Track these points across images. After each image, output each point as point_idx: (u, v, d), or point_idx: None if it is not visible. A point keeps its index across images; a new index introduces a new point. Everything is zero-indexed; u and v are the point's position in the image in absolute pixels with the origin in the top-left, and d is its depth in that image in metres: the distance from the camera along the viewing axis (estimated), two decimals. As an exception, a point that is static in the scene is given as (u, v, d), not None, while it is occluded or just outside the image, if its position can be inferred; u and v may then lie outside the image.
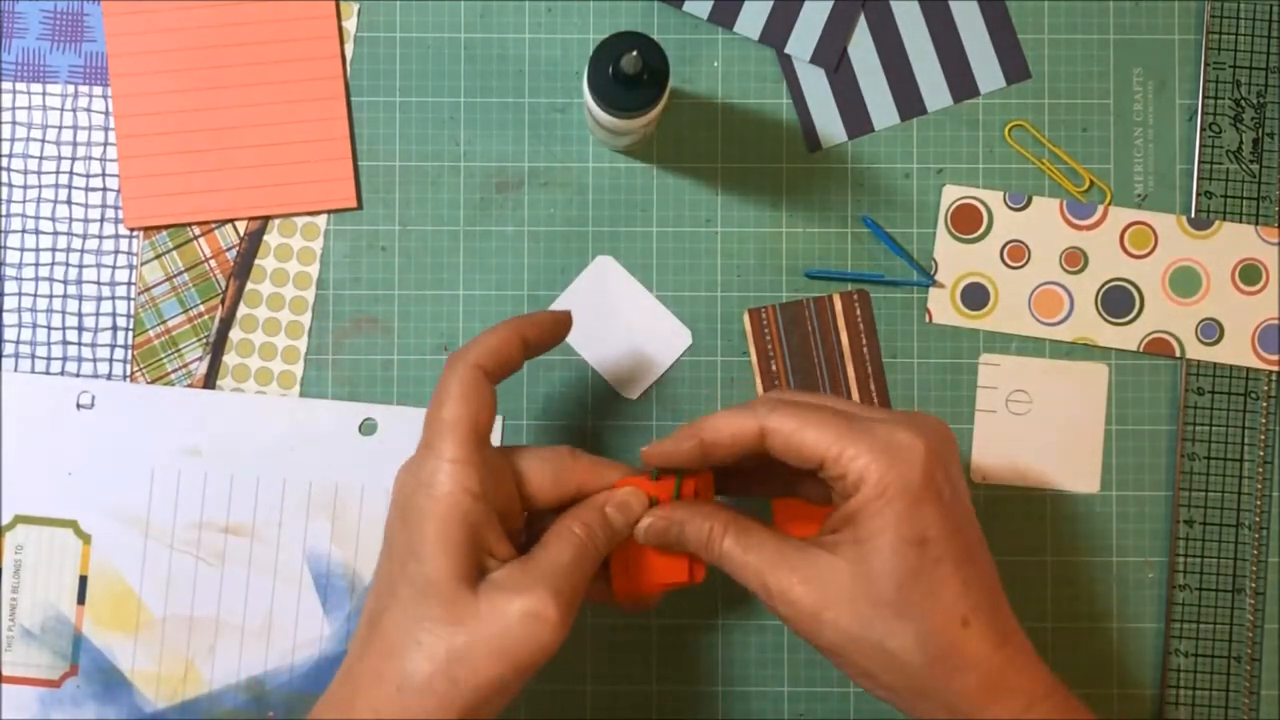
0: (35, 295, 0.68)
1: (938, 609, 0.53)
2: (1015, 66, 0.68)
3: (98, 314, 0.67)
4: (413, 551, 0.54)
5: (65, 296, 0.67)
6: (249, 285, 0.68)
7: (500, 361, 0.58)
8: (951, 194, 0.68)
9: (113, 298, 0.68)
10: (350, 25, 0.68)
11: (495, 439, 0.67)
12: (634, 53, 0.57)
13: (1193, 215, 0.68)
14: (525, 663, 0.53)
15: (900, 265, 0.68)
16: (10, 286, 0.68)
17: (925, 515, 0.53)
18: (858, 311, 0.68)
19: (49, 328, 0.67)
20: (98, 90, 0.68)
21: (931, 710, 0.54)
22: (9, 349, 0.67)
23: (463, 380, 0.56)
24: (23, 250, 0.68)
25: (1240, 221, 0.68)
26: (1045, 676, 0.55)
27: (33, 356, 0.67)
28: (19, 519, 0.67)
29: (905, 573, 0.53)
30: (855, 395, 0.68)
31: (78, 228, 0.68)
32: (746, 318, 0.68)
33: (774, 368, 0.68)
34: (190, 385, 0.67)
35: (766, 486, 0.61)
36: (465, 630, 0.53)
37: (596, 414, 0.68)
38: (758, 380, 0.68)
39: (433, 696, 0.53)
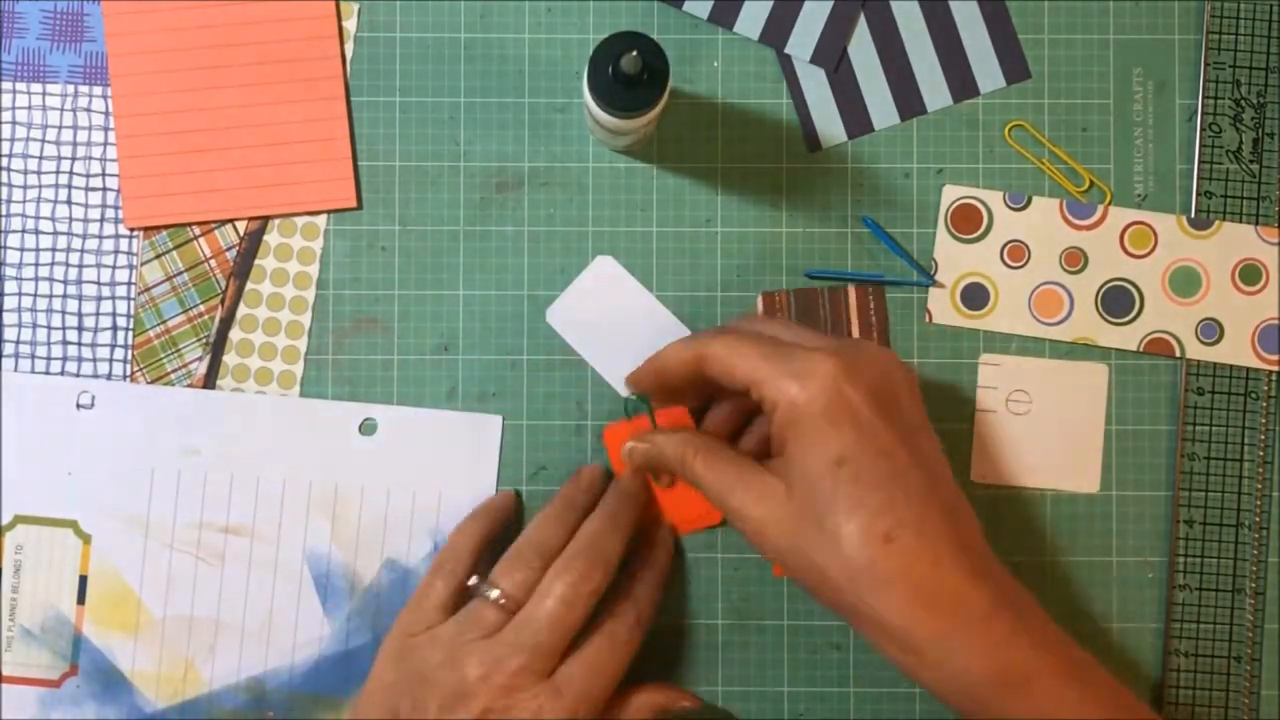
0: (35, 295, 0.68)
1: (856, 525, 0.55)
2: (1015, 66, 0.68)
3: (98, 314, 0.67)
4: None
5: (65, 296, 0.67)
6: (249, 285, 0.68)
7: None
8: (951, 194, 0.68)
9: (113, 298, 0.68)
10: (350, 25, 0.68)
11: (494, 439, 0.67)
12: (634, 53, 0.57)
13: (1193, 215, 0.68)
14: None
15: (900, 265, 0.68)
16: (10, 286, 0.68)
17: (839, 436, 0.56)
18: (871, 305, 0.68)
19: (49, 328, 0.67)
20: (98, 90, 0.68)
21: (866, 628, 0.56)
22: (9, 349, 0.67)
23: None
24: (23, 250, 0.68)
25: (1240, 221, 0.68)
26: (996, 592, 0.55)
27: (33, 356, 0.67)
28: (19, 519, 0.67)
29: (824, 491, 0.56)
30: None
31: (78, 228, 0.68)
32: (760, 300, 0.68)
33: None
34: (190, 385, 0.67)
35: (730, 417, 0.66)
36: None
37: (596, 414, 0.68)
38: None
39: None
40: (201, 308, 0.68)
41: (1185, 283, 0.68)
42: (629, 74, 0.58)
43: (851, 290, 0.68)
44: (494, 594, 0.61)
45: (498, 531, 0.65)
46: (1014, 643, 0.55)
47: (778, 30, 0.68)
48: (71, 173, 0.68)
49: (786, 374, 0.57)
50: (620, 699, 0.63)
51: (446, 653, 0.60)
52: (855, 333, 0.68)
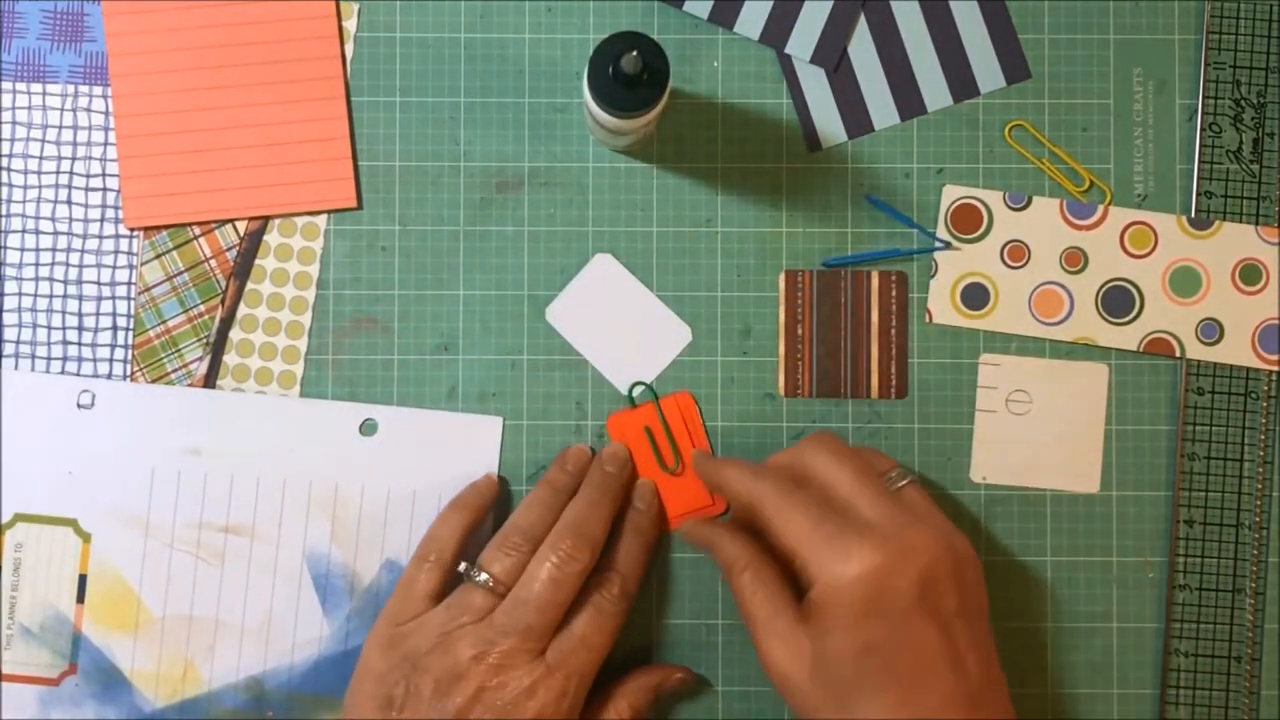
0: (35, 295, 0.68)
1: (875, 714, 0.55)
2: (1015, 66, 0.68)
3: (98, 314, 0.67)
4: None
5: (65, 296, 0.67)
6: (249, 285, 0.68)
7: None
8: (951, 194, 0.68)
9: (113, 298, 0.68)
10: (350, 25, 0.68)
11: (495, 439, 0.67)
12: (634, 53, 0.57)
13: (1193, 215, 0.68)
14: None
15: (914, 238, 0.68)
16: (10, 286, 0.68)
17: (871, 626, 0.56)
18: (893, 292, 0.68)
19: (49, 328, 0.67)
20: (98, 90, 0.68)
21: None
22: (9, 349, 0.67)
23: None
24: (23, 250, 0.68)
25: (1240, 221, 0.68)
26: None
27: (33, 356, 0.67)
28: (19, 517, 0.67)
29: (848, 674, 0.56)
30: (874, 377, 0.68)
31: (78, 228, 0.68)
32: (782, 278, 0.68)
33: (800, 332, 0.68)
34: (190, 385, 0.67)
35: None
36: None
37: (596, 414, 0.68)
38: (781, 345, 0.68)
39: None
40: (201, 308, 0.68)
41: (1185, 283, 0.68)
42: (629, 74, 0.58)
43: (875, 276, 0.68)
44: (483, 578, 0.62)
45: (480, 518, 0.66)
46: None
47: (778, 30, 0.68)
48: (71, 173, 0.68)
49: (829, 553, 0.57)
50: (615, 685, 0.64)
51: (438, 638, 0.61)
52: (875, 319, 0.67)
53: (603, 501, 0.64)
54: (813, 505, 0.59)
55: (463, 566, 0.63)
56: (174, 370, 0.67)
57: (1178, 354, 0.68)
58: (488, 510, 0.66)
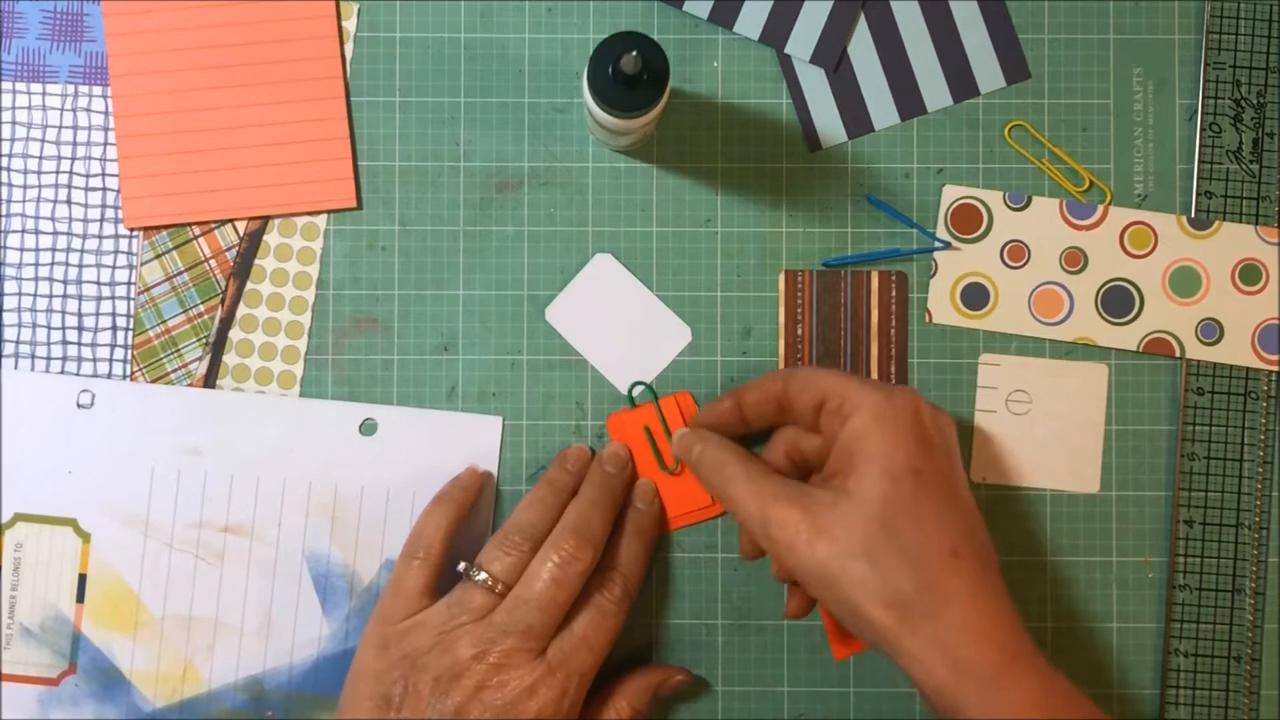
0: (35, 295, 0.68)
1: (930, 537, 0.57)
2: (1015, 66, 0.68)
3: (98, 314, 0.67)
4: None
5: (65, 296, 0.67)
6: (249, 285, 0.68)
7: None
8: (951, 194, 0.68)
9: (113, 298, 0.68)
10: (350, 25, 0.68)
11: (495, 439, 0.67)
12: (634, 53, 0.57)
13: (1193, 215, 0.68)
14: None
15: (915, 236, 0.68)
16: (10, 286, 0.68)
17: (918, 449, 0.58)
18: (893, 292, 0.68)
19: (49, 327, 0.67)
20: (98, 90, 0.68)
21: (915, 645, 0.56)
22: (9, 348, 0.67)
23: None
24: (23, 250, 0.68)
25: (1240, 221, 0.68)
26: (1017, 626, 0.57)
27: (33, 356, 0.67)
28: (19, 517, 0.67)
29: (899, 499, 0.57)
30: (874, 377, 0.67)
31: (78, 228, 0.68)
32: (782, 278, 0.68)
33: (800, 332, 0.68)
34: (190, 385, 0.67)
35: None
36: None
37: (596, 414, 0.68)
38: (781, 344, 0.68)
39: None
40: (201, 308, 0.68)
41: (1185, 283, 0.68)
42: (629, 74, 0.58)
43: (875, 276, 0.68)
44: (482, 578, 0.62)
45: (465, 512, 0.65)
46: (1050, 689, 0.56)
47: (778, 30, 0.68)
48: (71, 173, 0.68)
49: (871, 387, 0.60)
50: (615, 685, 0.64)
51: (437, 637, 0.61)
52: (875, 319, 0.68)
53: (604, 501, 0.64)
54: (840, 370, 0.63)
55: (462, 566, 0.63)
56: (174, 370, 0.67)
57: (1178, 354, 0.68)
58: (472, 503, 0.66)
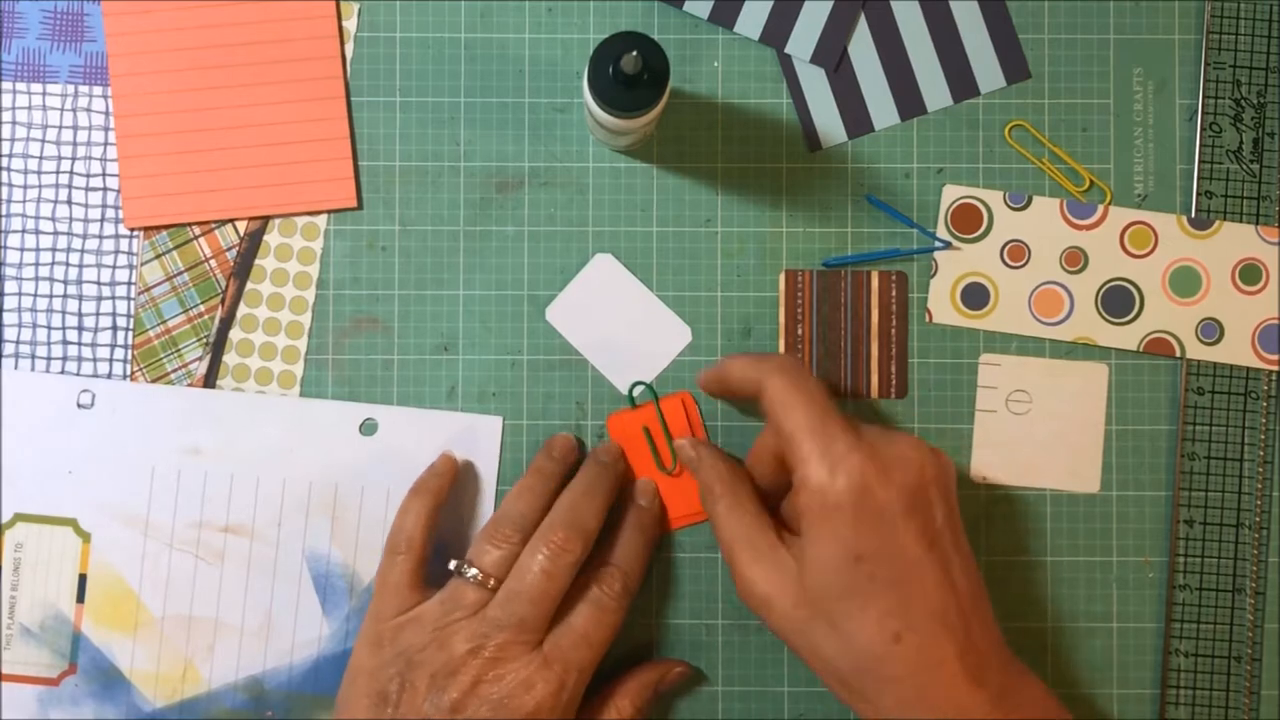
0: (35, 295, 0.68)
1: (867, 623, 0.56)
2: (1015, 66, 0.68)
3: (98, 314, 0.67)
4: None
5: (65, 296, 0.67)
6: (249, 285, 0.68)
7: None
8: (951, 194, 0.68)
9: (113, 297, 0.68)
10: (350, 25, 0.68)
11: (495, 439, 0.67)
12: (634, 53, 0.57)
13: (1193, 215, 0.68)
14: None
15: (915, 237, 0.68)
16: (10, 286, 0.68)
17: (860, 534, 0.56)
18: (893, 292, 0.68)
19: (49, 327, 0.67)
20: (98, 90, 0.68)
21: (867, 713, 0.57)
22: (9, 348, 0.67)
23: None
24: (23, 250, 0.68)
25: (1240, 221, 0.68)
26: (996, 697, 0.56)
27: (33, 356, 0.67)
28: (19, 517, 0.67)
29: (838, 585, 0.56)
30: (874, 377, 0.68)
31: (78, 228, 0.68)
32: (782, 278, 0.68)
33: (800, 332, 0.68)
34: (190, 385, 0.67)
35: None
36: None
37: (596, 414, 0.68)
38: (781, 344, 0.68)
39: None
40: (201, 308, 0.68)
41: (1185, 283, 0.68)
42: (629, 74, 0.58)
43: (875, 276, 0.68)
44: (473, 573, 0.62)
45: (442, 500, 0.65)
46: None
47: (778, 30, 0.68)
48: (71, 173, 0.68)
49: (823, 459, 0.57)
50: (615, 683, 0.65)
51: (432, 633, 0.61)
52: (875, 319, 0.68)
53: (595, 492, 0.64)
54: (814, 403, 0.58)
55: (453, 564, 0.63)
56: (174, 370, 0.67)
57: (1178, 354, 0.68)
58: (449, 490, 0.66)
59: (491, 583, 0.61)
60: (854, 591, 0.56)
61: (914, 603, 0.56)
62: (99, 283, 0.68)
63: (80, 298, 0.67)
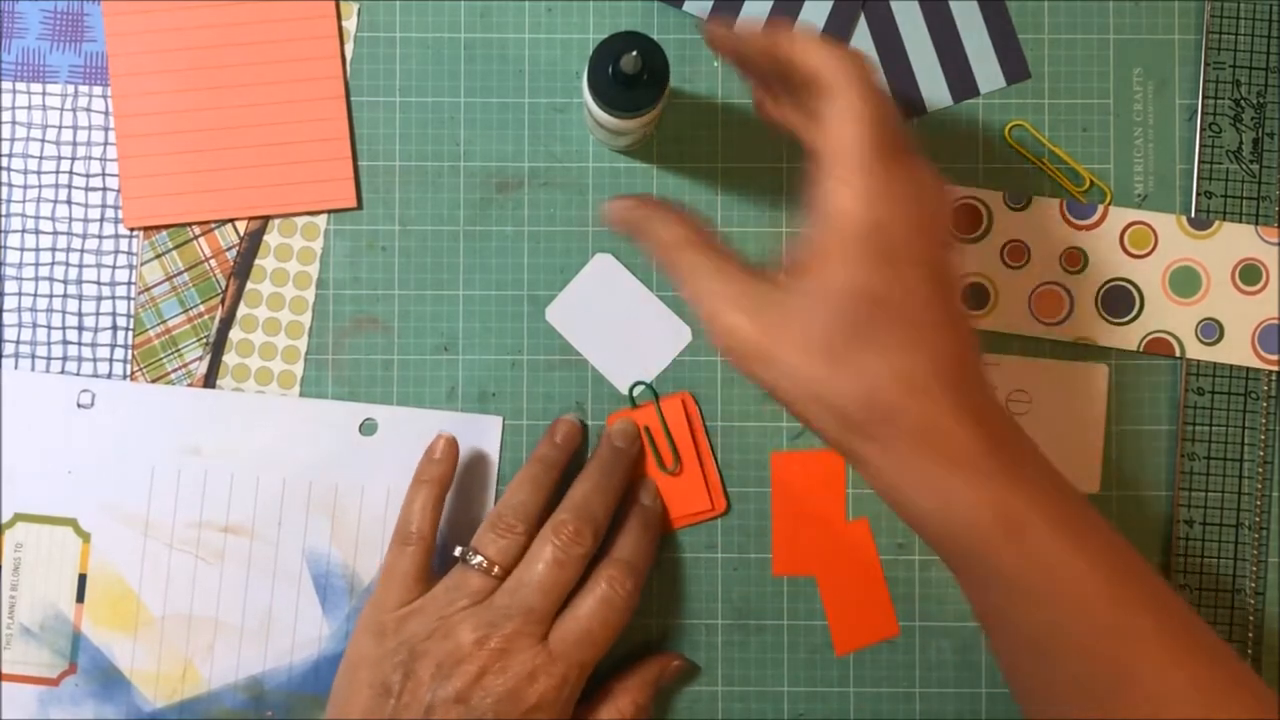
0: (35, 295, 0.68)
1: (878, 363, 0.52)
2: (1015, 66, 0.68)
3: (98, 314, 0.67)
4: None
5: (65, 296, 0.67)
6: (249, 285, 0.68)
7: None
8: (951, 194, 0.68)
9: (113, 297, 0.68)
10: (350, 25, 0.68)
11: (495, 440, 0.67)
12: (634, 53, 0.57)
13: (1193, 215, 0.68)
14: None
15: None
16: (10, 286, 0.68)
17: (879, 269, 0.52)
18: None
19: (49, 327, 0.67)
20: (98, 90, 0.68)
21: (872, 454, 0.53)
22: (9, 348, 0.67)
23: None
24: (23, 250, 0.68)
25: (1240, 221, 0.68)
26: (996, 439, 0.53)
27: (33, 356, 0.67)
28: (19, 517, 0.67)
29: (851, 325, 0.52)
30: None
31: (78, 228, 0.68)
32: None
33: None
34: (190, 385, 0.67)
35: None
36: None
37: (596, 414, 0.68)
38: None
39: None
40: (201, 308, 0.68)
41: (1185, 283, 0.68)
42: (629, 74, 0.58)
43: None
44: (477, 561, 0.61)
45: (447, 486, 0.65)
46: (1012, 490, 0.53)
47: (778, 30, 0.68)
48: (71, 173, 0.68)
49: (859, 189, 0.53)
50: (615, 682, 0.65)
51: (436, 623, 0.60)
52: None
53: (608, 484, 0.64)
54: (884, 125, 0.53)
55: (458, 550, 0.63)
56: (174, 370, 0.67)
57: (1178, 354, 0.68)
58: (452, 475, 0.65)
59: (496, 570, 0.61)
60: (868, 331, 0.52)
61: (924, 342, 0.52)
62: (99, 283, 0.68)
63: (80, 298, 0.68)
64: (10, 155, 0.68)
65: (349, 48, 0.68)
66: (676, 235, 0.56)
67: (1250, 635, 0.67)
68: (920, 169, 0.54)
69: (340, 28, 0.68)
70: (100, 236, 0.68)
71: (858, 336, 0.52)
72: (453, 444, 0.66)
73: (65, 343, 0.67)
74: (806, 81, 0.55)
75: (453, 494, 0.67)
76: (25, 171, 0.68)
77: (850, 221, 0.52)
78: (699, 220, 0.57)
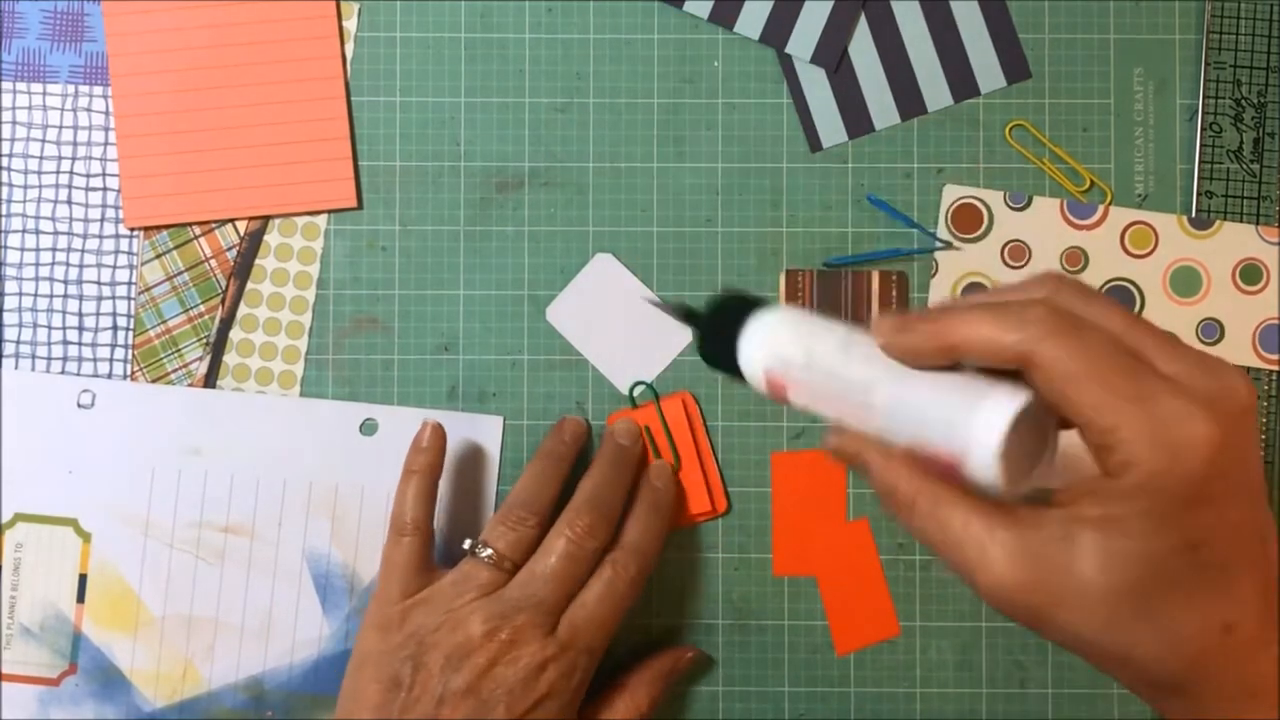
0: (35, 295, 0.68)
1: (1194, 617, 0.44)
2: (1016, 66, 0.68)
3: (98, 314, 0.67)
4: None
5: (65, 296, 0.67)
6: (249, 285, 0.68)
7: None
8: (952, 194, 0.68)
9: (113, 297, 0.68)
10: (350, 25, 0.68)
11: (495, 439, 0.67)
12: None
13: (1193, 215, 0.68)
14: None
15: (915, 237, 0.68)
16: (10, 286, 0.68)
17: (1201, 518, 0.43)
18: (894, 293, 0.68)
19: (49, 327, 0.67)
20: (98, 90, 0.68)
21: (1183, 710, 0.46)
22: (9, 348, 0.67)
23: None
24: (23, 250, 0.68)
25: (1241, 221, 0.68)
26: None
27: (33, 356, 0.67)
28: (19, 517, 0.67)
29: (1164, 578, 0.43)
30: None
31: (78, 228, 0.68)
32: (782, 278, 0.68)
33: None
34: (190, 385, 0.67)
35: None
36: None
37: (596, 414, 0.68)
38: None
39: None
40: (202, 308, 0.68)
41: (1186, 283, 0.68)
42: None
43: (876, 276, 0.68)
44: (487, 554, 0.61)
45: (438, 474, 0.65)
46: None
47: (778, 30, 0.68)
48: (71, 173, 0.68)
49: (1151, 437, 0.42)
50: (628, 676, 0.65)
51: (444, 614, 0.60)
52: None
53: (618, 478, 0.64)
54: (1124, 358, 0.43)
55: (467, 543, 0.62)
56: (174, 370, 0.67)
57: (1178, 354, 0.67)
58: (441, 462, 0.65)
59: (506, 563, 0.61)
60: (1180, 582, 0.43)
61: (1245, 580, 0.44)
62: (99, 283, 0.68)
63: (80, 298, 0.68)
64: (10, 155, 0.68)
65: (349, 48, 0.68)
66: (899, 487, 0.46)
67: (1251, 635, 0.67)
68: (1210, 367, 0.44)
69: (340, 28, 0.68)
70: (100, 236, 0.68)
71: (1170, 590, 0.43)
72: (439, 431, 0.65)
73: (65, 343, 0.67)
74: (1002, 365, 0.44)
75: (453, 494, 0.67)
76: (25, 171, 0.68)
77: (1162, 476, 0.42)
78: (906, 452, 0.46)
